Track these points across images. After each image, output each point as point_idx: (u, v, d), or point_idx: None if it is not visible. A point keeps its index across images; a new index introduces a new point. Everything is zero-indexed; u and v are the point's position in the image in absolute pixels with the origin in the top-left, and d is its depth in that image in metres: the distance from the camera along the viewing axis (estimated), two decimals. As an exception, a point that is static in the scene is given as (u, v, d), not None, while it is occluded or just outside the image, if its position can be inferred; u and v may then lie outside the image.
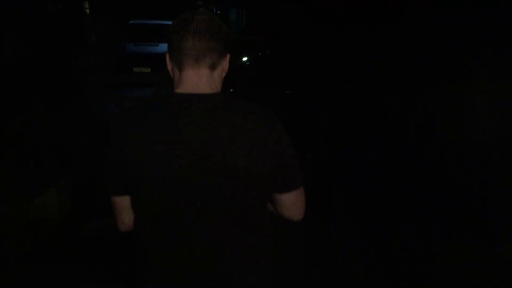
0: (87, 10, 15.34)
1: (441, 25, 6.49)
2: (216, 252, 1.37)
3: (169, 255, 1.39)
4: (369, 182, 5.00)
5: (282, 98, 7.04)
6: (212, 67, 1.38)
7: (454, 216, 4.21)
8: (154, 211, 1.37)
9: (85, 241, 3.81)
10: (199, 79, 1.37)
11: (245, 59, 7.86)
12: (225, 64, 1.44)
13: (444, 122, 6.05)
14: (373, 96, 6.71)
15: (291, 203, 1.48)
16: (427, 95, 6.44)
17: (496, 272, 3.39)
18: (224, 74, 1.46)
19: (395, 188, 4.82)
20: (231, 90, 7.06)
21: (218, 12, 21.53)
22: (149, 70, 11.69)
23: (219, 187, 1.33)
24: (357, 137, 6.42)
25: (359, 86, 6.89)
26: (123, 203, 1.44)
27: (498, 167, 4.95)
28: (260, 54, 7.89)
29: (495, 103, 5.42)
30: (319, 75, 6.93)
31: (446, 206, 4.41)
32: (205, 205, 1.33)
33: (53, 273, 3.37)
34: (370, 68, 6.86)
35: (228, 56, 1.44)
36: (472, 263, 3.49)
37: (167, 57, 1.42)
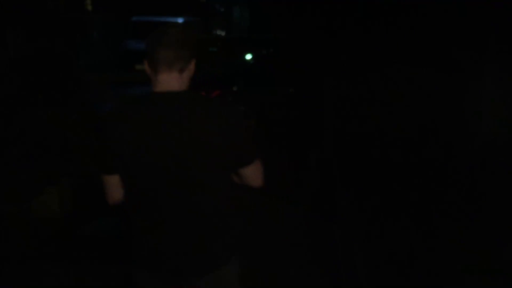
0: (89, 7, 15.32)
1: (445, 23, 6.44)
2: (189, 216, 1.71)
3: (150, 220, 1.72)
4: (373, 181, 4.97)
5: (286, 97, 7.01)
6: (181, 71, 1.72)
7: (459, 215, 4.18)
8: (138, 185, 1.71)
9: (86, 239, 3.79)
10: (170, 80, 1.71)
11: (248, 57, 7.82)
12: (191, 67, 1.76)
13: (448, 121, 6.02)
14: (377, 94, 6.67)
15: (250, 175, 1.86)
16: (432, 93, 6.40)
17: (499, 272, 3.36)
18: (191, 75, 1.78)
19: (398, 187, 4.79)
20: (235, 89, 7.05)
21: (222, 10, 21.45)
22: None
23: (189, 163, 1.66)
24: (360, 136, 6.39)
25: (363, 84, 6.85)
26: (112, 180, 1.76)
27: (503, 167, 4.92)
28: (263, 52, 7.86)
29: (500, 102, 5.39)
30: (322, 74, 6.90)
31: (450, 205, 4.39)
32: (178, 178, 1.67)
33: (55, 271, 3.36)
34: (374, 67, 6.83)
35: (194, 61, 1.77)
36: (477, 263, 3.46)
37: (146, 63, 1.76)
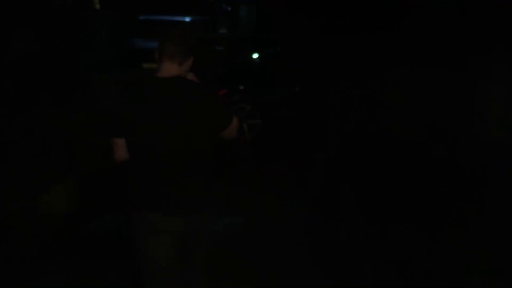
0: (97, 5, 15.36)
1: (450, 22, 6.41)
2: (179, 169, 2.20)
3: (150, 172, 2.22)
4: (376, 181, 4.97)
5: (291, 96, 7.01)
6: (180, 63, 2.21)
7: (462, 216, 4.17)
8: (141, 144, 2.19)
9: (92, 238, 3.81)
10: (171, 69, 2.19)
11: (255, 56, 7.83)
12: (189, 62, 2.25)
13: (453, 122, 5.99)
14: (382, 94, 6.66)
15: (228, 133, 2.35)
16: (438, 93, 6.38)
17: (501, 272, 3.35)
18: (188, 68, 2.25)
19: (404, 188, 4.78)
20: (241, 88, 7.05)
21: (228, 9, 21.44)
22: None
23: (181, 128, 2.15)
24: (366, 136, 6.37)
25: (368, 84, 6.84)
26: (120, 142, 2.23)
27: (507, 168, 4.90)
28: (270, 51, 7.86)
29: (505, 102, 5.37)
30: (328, 73, 6.89)
31: (453, 206, 4.37)
32: (172, 138, 2.16)
33: (60, 270, 3.37)
34: (380, 67, 6.81)
35: (192, 58, 2.25)
36: (479, 263, 3.45)
37: (156, 52, 2.21)
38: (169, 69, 2.19)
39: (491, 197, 4.43)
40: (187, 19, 13.71)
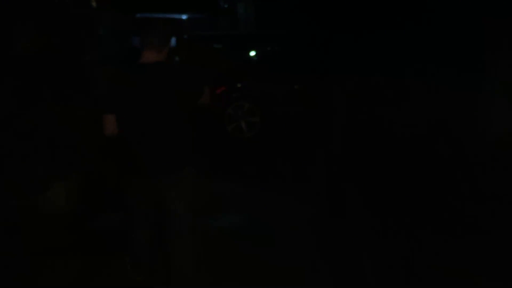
0: (94, 3, 15.27)
1: (454, 20, 6.42)
2: (162, 137, 2.70)
3: (138, 141, 2.70)
4: (382, 179, 4.98)
5: (291, 93, 7.01)
6: (158, 51, 2.68)
7: (468, 214, 4.18)
8: (129, 117, 2.66)
9: (93, 235, 3.81)
10: (150, 56, 2.67)
11: (253, 53, 7.83)
12: (166, 50, 2.72)
13: (457, 119, 6.01)
14: (385, 92, 6.67)
15: (202, 101, 2.81)
16: (441, 91, 6.39)
17: (504, 274, 3.37)
18: (166, 55, 2.71)
19: (408, 185, 4.80)
20: (239, 86, 7.05)
21: (226, 6, 21.39)
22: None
23: (161, 102, 2.64)
24: (369, 133, 6.39)
25: (371, 81, 6.84)
26: (110, 117, 2.68)
27: (508, 167, 4.92)
28: (269, 48, 7.85)
29: (508, 102, 5.39)
30: (330, 70, 6.89)
31: (458, 204, 4.39)
32: (155, 111, 2.64)
33: (62, 267, 3.38)
34: (382, 64, 6.82)
35: (168, 46, 2.73)
36: (486, 262, 3.47)
37: (139, 43, 2.71)
38: (149, 56, 2.66)
39: (499, 197, 4.44)
40: (184, 17, 13.69)
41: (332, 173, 5.08)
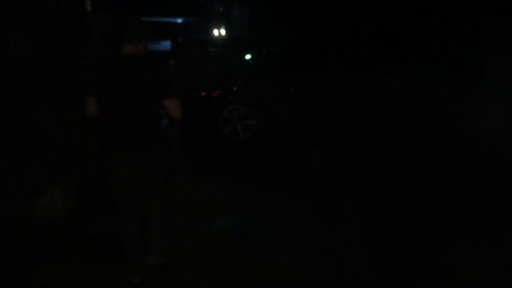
0: (89, 7, 15.26)
1: (448, 22, 6.45)
2: (138, 122, 3.02)
3: (116, 125, 3.03)
4: (375, 180, 4.99)
5: (286, 96, 7.03)
6: (135, 46, 3.02)
7: (461, 215, 4.20)
8: (109, 104, 2.99)
9: (89, 239, 3.81)
10: (128, 49, 3.02)
11: (248, 57, 7.84)
12: (143, 44, 3.06)
13: (451, 121, 6.03)
14: (379, 94, 6.69)
15: (169, 106, 3.09)
16: (434, 92, 6.42)
17: (500, 273, 3.38)
18: (144, 49, 3.08)
19: (401, 186, 4.81)
20: (235, 88, 7.07)
21: (220, 9, 21.44)
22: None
23: (136, 92, 2.96)
24: (363, 135, 6.40)
25: (365, 83, 6.87)
26: (93, 100, 3.02)
27: (505, 167, 4.94)
28: (263, 51, 7.86)
29: (502, 101, 5.41)
30: (324, 72, 6.91)
31: (452, 205, 4.41)
32: (131, 99, 2.97)
33: (57, 271, 3.37)
34: (376, 66, 6.84)
35: (144, 42, 3.07)
36: (479, 263, 3.49)
37: (120, 39, 3.03)
38: (127, 49, 3.02)
39: (493, 197, 4.46)
40: (179, 20, 13.72)
41: (328, 174, 5.09)
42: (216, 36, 15.12)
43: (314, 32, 8.95)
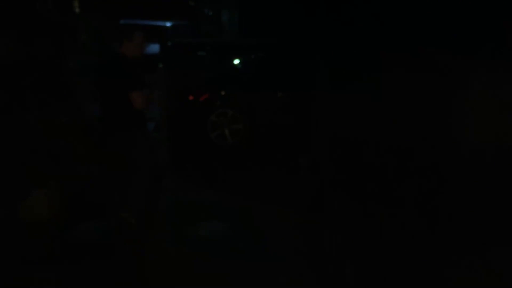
0: (77, 9, 15.20)
1: (435, 27, 6.50)
2: (115, 111, 3.77)
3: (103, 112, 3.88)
4: (364, 185, 5.01)
5: (274, 101, 7.04)
6: (120, 46, 3.75)
7: (451, 219, 4.22)
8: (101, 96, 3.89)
9: (75, 243, 3.78)
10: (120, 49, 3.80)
11: (237, 62, 7.84)
12: (126, 45, 3.80)
13: (439, 125, 6.06)
14: (368, 98, 6.71)
15: (133, 99, 3.69)
16: (425, 96, 6.44)
17: (491, 276, 3.40)
18: (126, 50, 3.82)
19: (389, 190, 4.83)
20: (223, 93, 7.07)
21: (210, 13, 21.44)
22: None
23: (110, 86, 3.74)
24: (351, 140, 6.42)
25: (354, 88, 6.89)
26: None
27: (498, 170, 4.97)
28: (252, 56, 7.88)
29: (488, 106, 5.45)
30: (313, 78, 6.92)
31: (442, 209, 4.43)
32: (108, 91, 3.78)
33: (44, 275, 3.34)
34: (365, 70, 6.87)
35: (125, 44, 3.79)
36: (469, 266, 3.50)
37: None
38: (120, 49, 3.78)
39: (481, 200, 4.48)
40: (168, 24, 13.69)
41: (316, 179, 5.10)
42: (205, 40, 15.10)
43: (303, 38, 8.97)
